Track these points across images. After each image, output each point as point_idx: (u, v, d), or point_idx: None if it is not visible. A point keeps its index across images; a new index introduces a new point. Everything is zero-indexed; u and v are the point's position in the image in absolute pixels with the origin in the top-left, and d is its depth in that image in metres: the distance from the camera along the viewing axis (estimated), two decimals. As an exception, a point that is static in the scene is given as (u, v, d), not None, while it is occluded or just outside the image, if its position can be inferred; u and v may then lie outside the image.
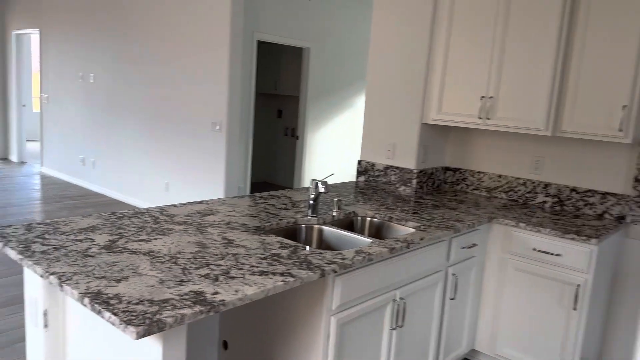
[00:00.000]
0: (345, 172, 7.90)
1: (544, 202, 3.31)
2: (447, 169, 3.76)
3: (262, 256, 1.86)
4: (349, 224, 2.71)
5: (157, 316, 1.32)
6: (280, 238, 2.11)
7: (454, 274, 2.66)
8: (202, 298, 1.45)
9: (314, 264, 1.82)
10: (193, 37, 5.45)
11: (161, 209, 2.42)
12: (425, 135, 3.47)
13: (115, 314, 1.31)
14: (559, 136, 2.97)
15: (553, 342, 2.73)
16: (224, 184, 5.29)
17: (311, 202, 2.53)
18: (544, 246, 2.72)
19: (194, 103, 5.54)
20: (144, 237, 1.97)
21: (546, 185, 3.30)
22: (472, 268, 2.84)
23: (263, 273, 1.69)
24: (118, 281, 1.52)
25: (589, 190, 3.13)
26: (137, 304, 1.38)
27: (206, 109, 5.39)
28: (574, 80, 2.85)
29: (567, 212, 3.17)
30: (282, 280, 1.64)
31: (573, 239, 2.62)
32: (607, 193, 3.06)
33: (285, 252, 1.92)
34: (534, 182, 3.35)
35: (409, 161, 3.49)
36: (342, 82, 7.57)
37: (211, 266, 1.71)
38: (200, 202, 2.62)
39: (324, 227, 2.46)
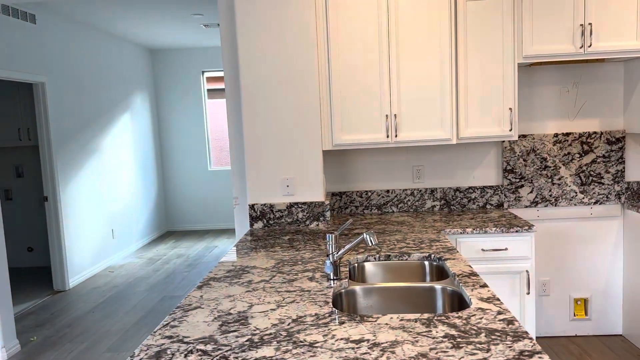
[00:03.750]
0: (123, 232, 6.58)
1: (433, 206, 3.53)
2: (332, 194, 3.58)
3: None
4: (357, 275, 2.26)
5: None
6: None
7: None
8: None
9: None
10: None
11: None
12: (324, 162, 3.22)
13: None
14: (439, 145, 3.23)
15: (509, 329, 2.95)
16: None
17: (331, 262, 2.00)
18: (491, 244, 2.91)
19: None
20: None
21: (432, 191, 3.53)
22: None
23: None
24: None
25: (470, 188, 3.51)
26: None
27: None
28: (464, 94, 3.14)
29: (455, 211, 3.48)
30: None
31: (517, 231, 2.89)
32: (485, 187, 3.50)
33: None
34: (420, 190, 3.53)
35: (315, 194, 3.16)
36: (94, 120, 6.28)
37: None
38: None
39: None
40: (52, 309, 4.88)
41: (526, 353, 1.31)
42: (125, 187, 7.17)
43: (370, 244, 1.94)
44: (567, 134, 3.42)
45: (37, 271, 6.31)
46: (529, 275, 2.89)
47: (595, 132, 3.41)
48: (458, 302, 1.90)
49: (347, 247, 2.03)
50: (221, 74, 8.43)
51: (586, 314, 3.54)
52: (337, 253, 2.03)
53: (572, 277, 3.52)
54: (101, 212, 6.43)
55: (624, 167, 3.41)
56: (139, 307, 4.82)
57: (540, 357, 1.28)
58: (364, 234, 1.96)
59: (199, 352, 1.41)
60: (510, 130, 3.12)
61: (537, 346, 1.35)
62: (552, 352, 3.34)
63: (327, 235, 2.03)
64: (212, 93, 8.54)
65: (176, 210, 8.55)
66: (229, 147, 8.39)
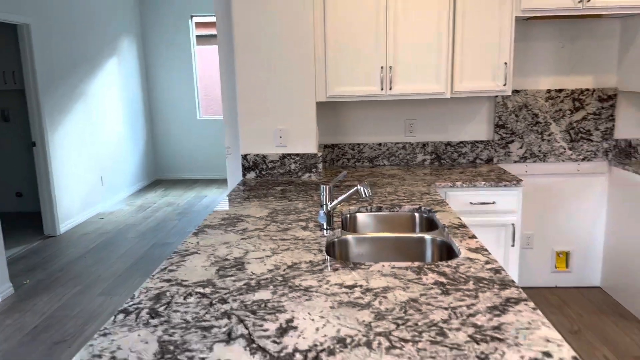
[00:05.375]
0: (112, 179, 6.56)
1: (424, 160, 3.57)
2: (325, 146, 3.59)
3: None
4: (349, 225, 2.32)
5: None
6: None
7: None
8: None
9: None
10: None
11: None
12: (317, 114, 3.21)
13: None
14: (433, 99, 3.23)
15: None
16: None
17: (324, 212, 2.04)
18: (479, 198, 2.97)
19: None
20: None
21: (423, 145, 3.55)
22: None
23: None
24: None
25: (461, 142, 3.54)
26: None
27: None
28: (460, 48, 3.11)
29: (446, 165, 3.52)
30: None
31: (505, 185, 2.94)
32: (476, 141, 3.53)
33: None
34: (412, 144, 3.56)
35: (308, 145, 3.16)
36: (81, 64, 6.13)
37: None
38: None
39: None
40: (43, 253, 4.93)
41: (512, 300, 1.38)
42: (114, 133, 7.09)
43: (364, 196, 1.98)
44: (560, 91, 3.43)
45: (26, 216, 6.32)
46: (514, 228, 2.98)
47: (587, 89, 3.42)
48: (447, 252, 1.96)
49: (341, 198, 2.06)
50: (210, 19, 8.20)
51: (567, 266, 3.67)
52: (331, 204, 2.06)
53: (555, 231, 3.62)
54: (90, 158, 6.39)
55: (613, 125, 3.45)
56: (130, 253, 4.89)
57: (525, 304, 1.35)
58: (358, 186, 1.99)
59: (198, 295, 1.46)
60: (505, 85, 3.12)
61: (523, 294, 1.41)
62: (534, 302, 3.48)
63: (321, 186, 2.06)
64: (202, 40, 8.32)
65: (165, 158, 8.52)
66: (219, 96, 8.26)
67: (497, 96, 3.46)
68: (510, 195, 2.96)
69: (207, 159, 8.49)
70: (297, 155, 3.16)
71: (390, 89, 3.12)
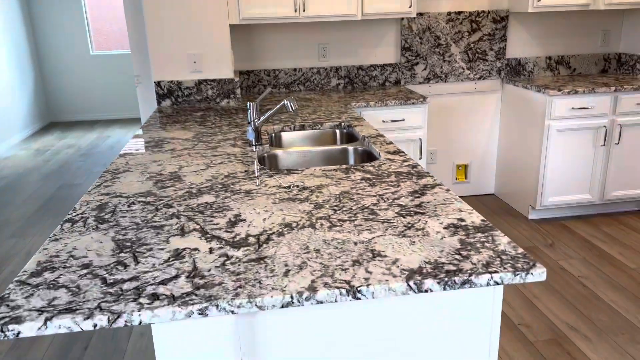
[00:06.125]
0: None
1: (338, 84, 3.70)
2: (240, 73, 3.58)
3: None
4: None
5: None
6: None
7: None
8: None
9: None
10: None
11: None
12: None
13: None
14: (343, 21, 3.33)
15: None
16: None
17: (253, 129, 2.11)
18: (391, 116, 3.18)
19: None
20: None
21: (337, 69, 3.67)
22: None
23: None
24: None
25: (372, 66, 3.70)
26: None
27: None
28: (368, -34, 3.19)
29: (358, 88, 3.68)
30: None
31: (413, 103, 3.17)
32: (385, 64, 3.71)
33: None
34: (326, 69, 3.66)
35: (224, 70, 3.15)
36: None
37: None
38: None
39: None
40: None
41: (429, 185, 1.58)
42: (-3, 73, 6.43)
43: (290, 109, 2.07)
44: (459, 13, 3.67)
45: None
46: (422, 142, 3.25)
47: (483, 11, 3.69)
48: (368, 158, 2.14)
49: (268, 113, 2.14)
50: (97, -57, 7.46)
51: (466, 177, 4.08)
52: (259, 120, 2.13)
53: (456, 146, 3.99)
54: (-28, 100, 5.78)
55: (505, 45, 3.78)
56: (36, 195, 4.63)
57: (440, 187, 1.56)
58: (285, 100, 2.08)
59: (142, 203, 1.50)
60: (410, 7, 3.27)
61: (438, 180, 1.62)
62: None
63: (248, 103, 2.12)
64: (89, -34, 7.59)
65: (58, 100, 7.90)
66: (115, 30, 7.72)
67: (403, 19, 3.62)
68: (417, 112, 3.20)
69: (106, 98, 8.01)
70: (213, 80, 3.14)
71: (304, 10, 3.15)
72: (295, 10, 3.14)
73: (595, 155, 3.46)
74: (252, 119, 2.12)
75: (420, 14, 3.63)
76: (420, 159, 3.27)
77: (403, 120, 3.20)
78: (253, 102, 2.11)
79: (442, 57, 3.74)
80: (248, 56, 3.57)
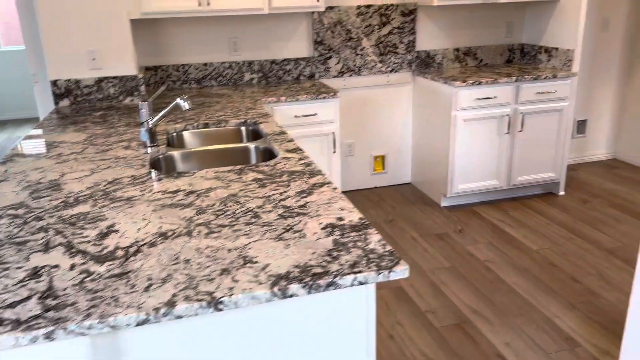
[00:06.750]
0: None
1: (252, 79, 3.64)
2: (146, 69, 3.43)
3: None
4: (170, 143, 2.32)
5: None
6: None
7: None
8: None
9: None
10: None
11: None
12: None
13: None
14: (255, 14, 3.28)
15: (320, 185, 3.36)
16: None
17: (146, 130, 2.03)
18: (302, 111, 3.17)
19: None
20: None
21: (250, 64, 3.61)
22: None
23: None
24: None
25: (285, 60, 3.67)
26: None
27: None
28: (274, -41, 3.14)
29: (272, 83, 3.64)
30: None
31: (324, 97, 3.17)
32: (298, 58, 3.69)
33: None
34: (238, 63, 3.59)
35: (126, 67, 3.01)
36: None
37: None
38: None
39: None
40: None
41: (318, 184, 1.58)
42: None
43: (184, 108, 2.00)
44: (369, 6, 3.70)
45: None
46: (334, 136, 3.26)
47: (392, 5, 3.75)
48: (269, 157, 2.12)
49: (161, 113, 2.06)
50: None
51: (383, 168, 4.16)
52: (152, 120, 2.05)
53: (372, 138, 4.05)
54: None
55: (415, 38, 3.87)
56: None
57: (328, 186, 1.56)
58: (177, 99, 2.01)
59: (10, 217, 1.40)
60: (319, 0, 3.27)
61: (328, 179, 1.62)
62: (355, 201, 3.92)
63: (140, 103, 2.03)
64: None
65: (-39, 99, 7.30)
66: (19, 22, 7.25)
67: (313, 13, 3.61)
68: (328, 106, 3.21)
69: (16, 97, 7.49)
70: (115, 78, 3.00)
71: (209, 4, 3.06)
72: (200, 4, 3.05)
73: (501, 143, 3.62)
74: (144, 119, 2.03)
75: (330, 8, 3.63)
76: (334, 152, 3.29)
77: (315, 114, 3.20)
78: (145, 102, 2.02)
79: (354, 50, 3.77)
80: (155, 51, 3.43)
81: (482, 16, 3.98)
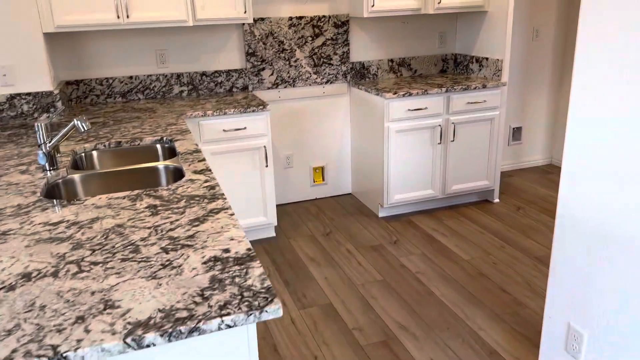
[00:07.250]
0: None
1: (181, 91, 3.53)
2: (67, 83, 3.27)
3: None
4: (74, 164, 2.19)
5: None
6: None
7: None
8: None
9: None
10: None
11: None
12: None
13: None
14: (181, 26, 3.18)
15: (254, 194, 3.28)
16: None
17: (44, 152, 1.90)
18: (231, 125, 3.09)
19: None
20: None
21: (178, 76, 3.50)
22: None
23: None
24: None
25: (216, 72, 3.57)
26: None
27: None
28: (197, -31, 3.05)
29: (203, 95, 3.54)
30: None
31: (253, 111, 3.09)
32: (230, 70, 3.60)
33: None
34: (166, 76, 3.47)
35: (40, 83, 2.85)
36: None
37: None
38: None
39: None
40: None
41: (215, 210, 1.50)
42: None
43: (82, 130, 1.89)
44: (300, 18, 3.66)
45: None
46: (266, 150, 3.20)
47: (324, 16, 3.72)
48: (180, 176, 2.03)
49: (59, 135, 1.94)
50: None
51: (323, 179, 4.11)
52: (50, 142, 1.93)
53: (311, 149, 4.00)
54: None
55: (349, 49, 3.85)
56: None
57: (225, 212, 1.49)
58: (75, 120, 1.89)
59: None
60: (245, 12, 3.20)
61: (227, 204, 1.55)
62: (295, 214, 3.86)
63: (35, 124, 1.90)
64: None
65: None
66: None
67: (244, 24, 3.54)
68: (259, 120, 3.14)
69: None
70: (28, 94, 2.84)
71: (128, 17, 2.95)
72: (119, 17, 2.92)
73: (434, 153, 3.64)
74: (42, 141, 1.91)
75: (261, 19, 3.57)
76: (267, 166, 3.22)
77: (245, 128, 3.12)
78: (41, 123, 1.90)
79: (287, 62, 3.72)
80: (77, 65, 3.28)
81: (415, 27, 4.01)
